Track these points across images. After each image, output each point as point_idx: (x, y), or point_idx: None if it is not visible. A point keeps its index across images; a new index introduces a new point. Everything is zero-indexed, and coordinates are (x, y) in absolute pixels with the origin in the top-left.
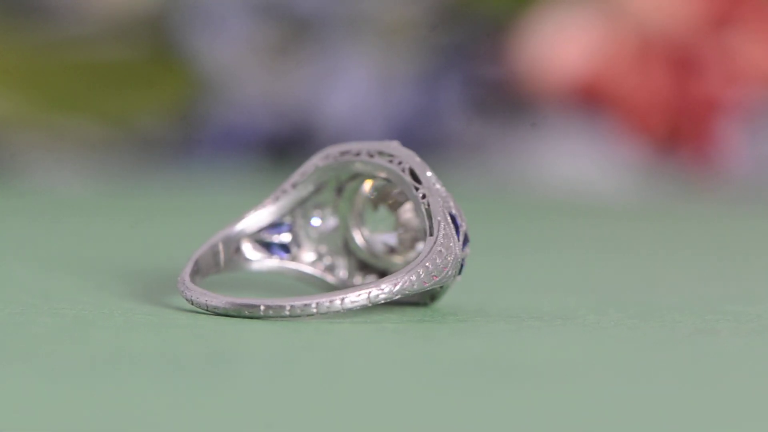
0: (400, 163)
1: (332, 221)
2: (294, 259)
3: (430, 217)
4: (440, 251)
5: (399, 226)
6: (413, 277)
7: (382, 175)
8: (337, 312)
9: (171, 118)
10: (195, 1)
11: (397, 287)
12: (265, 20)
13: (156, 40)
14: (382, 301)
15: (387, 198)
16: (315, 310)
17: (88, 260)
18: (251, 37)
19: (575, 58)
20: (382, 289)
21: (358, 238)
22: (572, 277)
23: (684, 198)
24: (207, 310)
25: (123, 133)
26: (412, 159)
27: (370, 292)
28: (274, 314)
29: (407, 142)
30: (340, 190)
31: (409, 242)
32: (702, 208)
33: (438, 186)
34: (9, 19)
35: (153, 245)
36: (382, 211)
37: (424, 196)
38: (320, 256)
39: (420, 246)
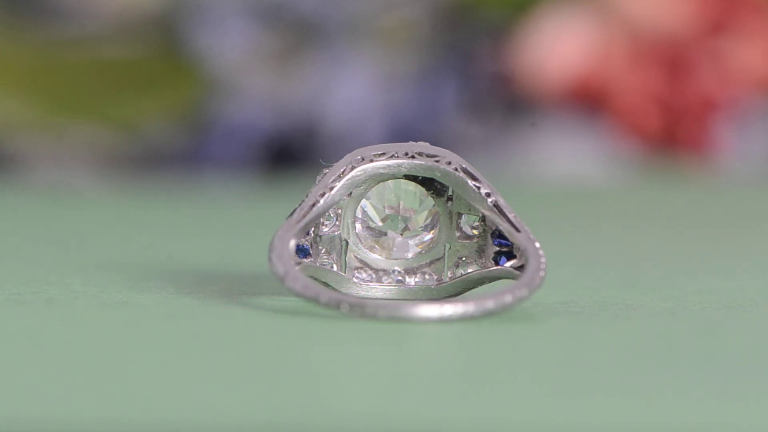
0: (449, 162)
1: (334, 220)
2: (312, 260)
3: (504, 214)
4: (537, 246)
5: (408, 226)
6: (542, 273)
7: (428, 175)
8: (488, 315)
9: (177, 118)
10: (200, 1)
11: (533, 289)
12: (268, 22)
13: (163, 40)
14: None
15: (403, 199)
16: (472, 314)
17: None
18: (255, 39)
19: (572, 58)
20: (530, 289)
21: (358, 238)
22: (572, 271)
23: (677, 193)
24: (360, 315)
25: (130, 133)
26: (458, 158)
27: (515, 295)
28: (437, 318)
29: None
30: (349, 191)
31: (419, 242)
32: (694, 202)
33: (488, 183)
34: (15, 19)
35: (159, 245)
36: (391, 211)
37: (488, 194)
38: (322, 255)
39: (417, 240)
